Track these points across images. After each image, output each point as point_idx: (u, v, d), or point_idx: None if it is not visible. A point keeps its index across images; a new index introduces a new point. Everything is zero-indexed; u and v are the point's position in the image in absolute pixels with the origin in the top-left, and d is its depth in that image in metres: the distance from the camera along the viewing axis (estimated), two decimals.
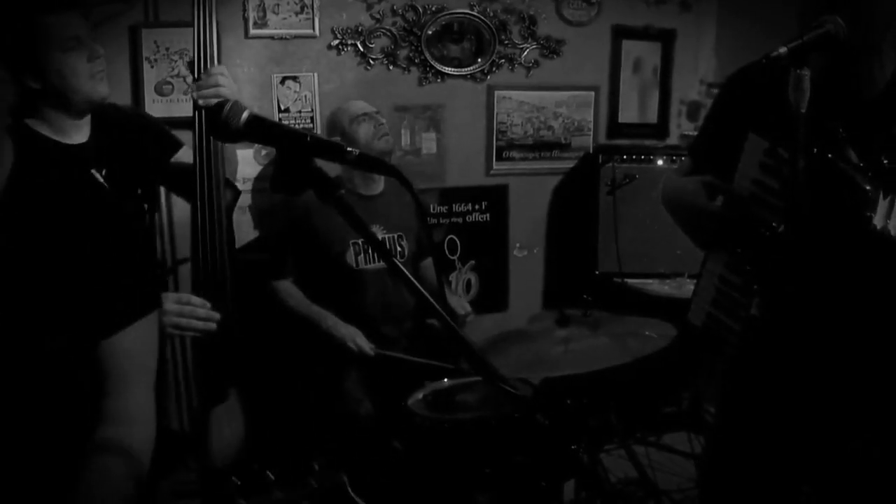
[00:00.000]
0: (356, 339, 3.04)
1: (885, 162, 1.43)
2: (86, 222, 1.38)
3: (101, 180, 2.09)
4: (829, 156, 1.47)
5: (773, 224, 1.58)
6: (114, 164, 2.15)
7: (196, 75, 2.17)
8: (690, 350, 2.06)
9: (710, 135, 1.91)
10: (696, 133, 2.01)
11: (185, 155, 2.38)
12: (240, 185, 3.69)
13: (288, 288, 3.18)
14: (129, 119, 2.38)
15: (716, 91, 2.04)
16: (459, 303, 3.31)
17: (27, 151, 1.72)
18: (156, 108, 3.50)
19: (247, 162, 3.69)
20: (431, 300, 1.03)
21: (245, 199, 3.72)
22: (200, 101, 2.10)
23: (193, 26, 2.17)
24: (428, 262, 3.44)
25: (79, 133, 2.12)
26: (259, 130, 1.04)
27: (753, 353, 1.72)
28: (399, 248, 3.28)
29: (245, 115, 1.04)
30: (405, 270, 1.03)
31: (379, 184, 3.28)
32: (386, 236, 3.24)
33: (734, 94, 1.82)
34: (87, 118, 2.15)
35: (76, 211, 1.40)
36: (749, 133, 1.66)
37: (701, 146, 1.94)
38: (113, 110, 2.29)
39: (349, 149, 1.05)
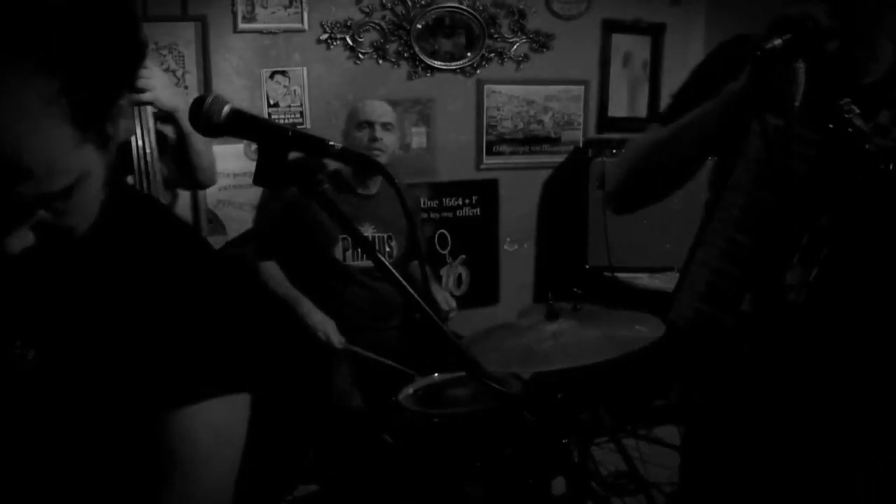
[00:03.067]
0: (327, 328, 3.03)
1: None
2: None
3: None
4: (848, 127, 1.42)
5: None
6: None
7: None
8: (674, 352, 1.93)
9: (688, 105, 1.66)
10: (671, 101, 1.77)
11: None
12: (228, 180, 3.70)
13: (271, 268, 3.17)
14: None
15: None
16: (444, 298, 3.31)
17: None
18: None
19: (237, 157, 3.69)
20: (416, 297, 1.02)
21: (234, 195, 3.71)
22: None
23: None
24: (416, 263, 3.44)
25: None
26: (240, 124, 1.04)
27: (757, 349, 1.60)
28: (388, 249, 3.28)
29: (226, 109, 1.03)
30: (388, 265, 1.02)
31: (375, 184, 3.27)
32: (375, 235, 3.24)
33: (716, 70, 1.68)
34: None
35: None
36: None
37: (672, 111, 1.68)
38: None
39: (331, 143, 1.04)
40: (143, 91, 2.09)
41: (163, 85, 2.17)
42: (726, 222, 1.59)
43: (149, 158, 2.11)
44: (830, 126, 1.43)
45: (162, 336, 1.00)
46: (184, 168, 2.34)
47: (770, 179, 1.50)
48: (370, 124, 3.14)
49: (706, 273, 1.63)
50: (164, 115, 2.22)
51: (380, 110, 3.19)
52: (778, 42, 1.31)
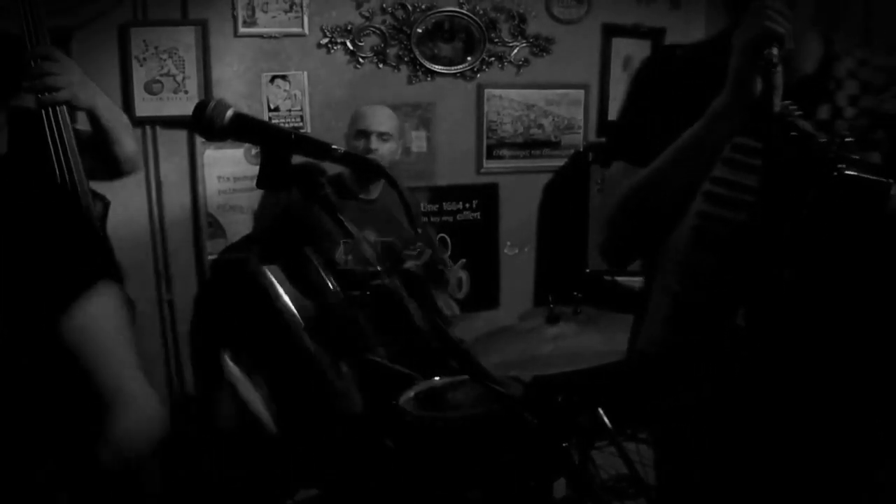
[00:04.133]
0: None
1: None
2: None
3: None
4: (791, 130, 1.38)
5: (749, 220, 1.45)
6: None
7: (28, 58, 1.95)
8: (644, 381, 1.81)
9: (643, 130, 1.58)
10: (613, 134, 1.70)
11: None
12: (228, 184, 3.70)
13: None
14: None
15: None
16: (446, 302, 3.31)
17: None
18: (145, 106, 3.49)
19: (236, 161, 3.69)
20: (414, 305, 1.03)
21: (235, 199, 3.71)
22: (43, 97, 1.92)
23: None
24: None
25: None
26: (243, 128, 1.04)
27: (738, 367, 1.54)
28: None
29: (229, 113, 1.04)
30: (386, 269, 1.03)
31: (376, 188, 3.27)
32: (378, 240, 3.24)
33: (659, 87, 1.61)
34: None
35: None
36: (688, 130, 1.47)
37: (635, 143, 1.58)
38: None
39: (334, 147, 1.05)
40: (56, 90, 1.92)
41: (79, 81, 1.98)
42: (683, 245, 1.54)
43: (71, 162, 1.95)
44: (774, 131, 1.41)
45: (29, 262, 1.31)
46: (108, 161, 2.18)
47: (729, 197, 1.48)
48: (366, 134, 3.14)
49: (667, 298, 1.58)
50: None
51: (379, 119, 3.18)
52: (776, 50, 1.30)
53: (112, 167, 2.21)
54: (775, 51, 1.29)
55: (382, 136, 3.16)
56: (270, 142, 1.03)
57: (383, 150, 3.16)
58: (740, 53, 1.33)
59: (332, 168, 3.24)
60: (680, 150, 1.45)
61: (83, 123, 2.10)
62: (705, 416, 1.59)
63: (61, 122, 1.94)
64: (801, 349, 1.49)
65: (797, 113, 1.39)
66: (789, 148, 1.40)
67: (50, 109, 1.92)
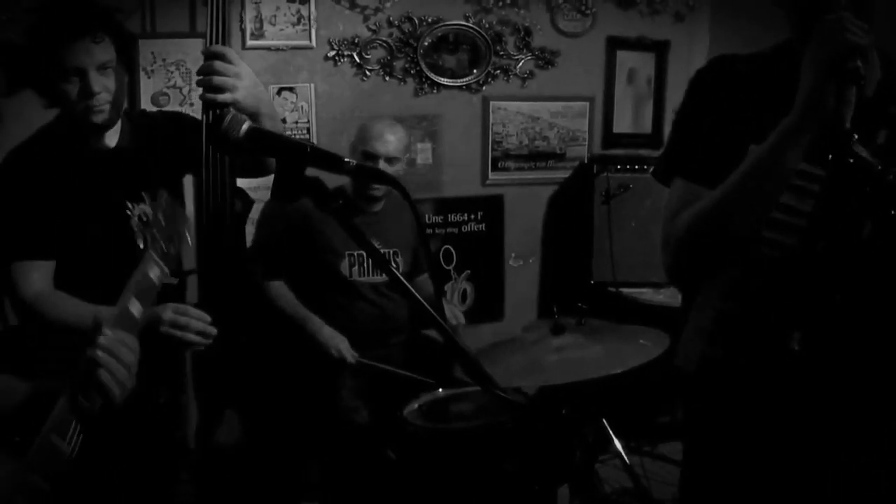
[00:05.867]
0: (339, 345, 3.05)
1: None
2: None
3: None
4: (850, 157, 1.34)
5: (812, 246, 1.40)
6: (141, 164, 2.19)
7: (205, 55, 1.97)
8: (683, 396, 1.75)
9: (705, 146, 1.52)
10: (671, 147, 1.63)
11: None
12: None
13: (279, 288, 3.18)
14: (157, 120, 2.37)
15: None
16: (453, 312, 3.31)
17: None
18: None
19: None
20: (430, 309, 1.04)
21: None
22: (205, 95, 1.94)
23: None
24: (423, 278, 3.44)
25: (105, 140, 2.16)
26: (259, 141, 1.06)
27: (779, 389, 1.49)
28: (394, 264, 3.28)
29: (245, 126, 1.05)
30: (402, 278, 1.04)
31: (379, 202, 3.28)
32: (382, 251, 3.24)
33: (713, 97, 1.55)
34: (116, 128, 2.17)
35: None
36: (751, 147, 1.42)
37: (697, 160, 1.52)
38: (141, 117, 2.34)
39: (347, 160, 1.06)
40: (222, 90, 1.91)
41: (248, 85, 1.97)
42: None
43: (219, 161, 1.99)
44: (832, 158, 1.36)
45: None
46: (256, 162, 2.24)
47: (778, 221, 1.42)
48: (374, 158, 3.11)
49: (711, 313, 1.54)
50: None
51: (387, 141, 3.13)
52: (860, 63, 1.25)
53: (258, 167, 2.27)
54: (860, 63, 1.24)
55: (390, 161, 3.16)
56: (285, 154, 1.05)
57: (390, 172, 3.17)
58: (816, 70, 1.27)
59: (330, 180, 3.27)
60: (750, 175, 1.38)
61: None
62: (750, 435, 1.54)
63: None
64: (856, 376, 1.45)
65: (855, 137, 1.35)
66: (846, 175, 1.37)
67: (210, 109, 1.91)
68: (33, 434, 1.20)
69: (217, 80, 1.90)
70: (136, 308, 1.32)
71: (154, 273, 1.36)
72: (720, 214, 1.42)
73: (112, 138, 2.19)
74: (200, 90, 1.93)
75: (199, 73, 1.94)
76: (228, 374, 2.08)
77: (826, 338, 1.44)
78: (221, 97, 1.90)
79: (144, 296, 1.33)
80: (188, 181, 2.42)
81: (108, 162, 2.15)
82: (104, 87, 2.02)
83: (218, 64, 1.90)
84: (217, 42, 1.96)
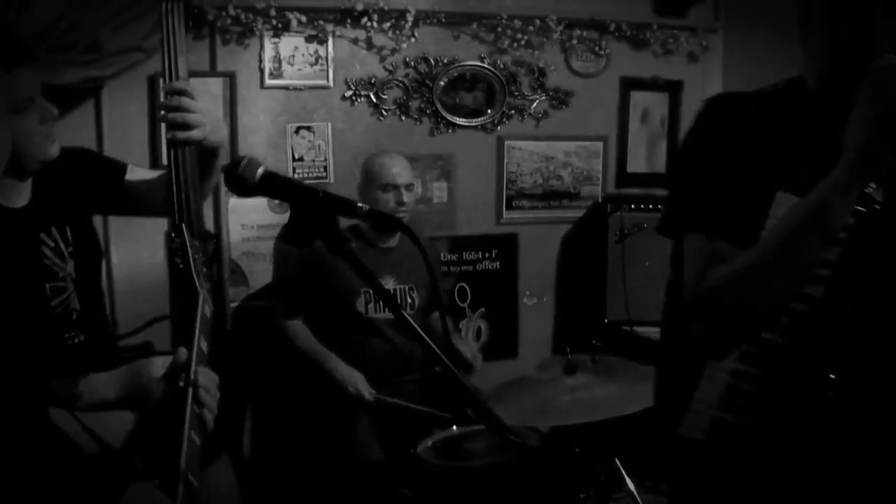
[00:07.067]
0: (357, 383, 3.07)
1: None
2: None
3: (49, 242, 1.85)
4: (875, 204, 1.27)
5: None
6: (58, 222, 1.90)
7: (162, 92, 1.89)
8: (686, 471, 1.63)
9: (725, 195, 1.36)
10: (681, 197, 1.51)
11: (135, 173, 2.09)
12: (251, 232, 3.76)
13: (296, 327, 3.22)
14: (66, 164, 1.94)
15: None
16: (471, 350, 3.33)
17: None
18: None
19: (261, 210, 3.75)
20: (437, 350, 1.06)
21: (258, 246, 3.77)
22: (166, 125, 1.84)
23: (162, 29, 1.87)
24: (435, 316, 3.48)
25: (20, 195, 1.83)
26: (273, 186, 1.09)
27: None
28: (409, 300, 3.31)
29: (260, 171, 1.09)
30: (411, 320, 1.06)
31: (394, 238, 3.33)
32: (397, 287, 3.28)
33: (734, 132, 1.39)
34: (29, 179, 1.85)
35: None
36: (778, 193, 1.31)
37: (718, 213, 1.36)
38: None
39: (359, 205, 1.09)
40: (190, 127, 1.83)
41: (213, 119, 1.90)
42: None
43: (192, 202, 1.83)
44: (859, 202, 1.26)
45: None
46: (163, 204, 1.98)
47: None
48: (395, 187, 3.21)
49: (724, 377, 1.41)
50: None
51: (404, 174, 3.25)
52: None
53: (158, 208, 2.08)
54: None
55: (409, 188, 3.26)
56: (298, 199, 1.08)
57: (410, 201, 3.26)
58: (870, 123, 1.14)
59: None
60: (792, 236, 1.24)
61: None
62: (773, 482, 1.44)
63: (188, 160, 1.85)
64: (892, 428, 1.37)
65: (872, 186, 1.28)
66: (874, 221, 1.31)
67: (178, 148, 1.83)
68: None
69: (186, 116, 1.83)
70: (204, 346, 1.49)
71: (208, 310, 1.55)
72: (761, 279, 1.28)
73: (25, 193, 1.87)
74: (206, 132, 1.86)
75: (163, 110, 1.85)
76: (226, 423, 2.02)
77: (863, 395, 1.36)
78: (192, 134, 1.84)
79: (204, 330, 1.51)
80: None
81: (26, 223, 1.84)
82: None
83: (185, 100, 1.84)
84: (175, 78, 1.87)
